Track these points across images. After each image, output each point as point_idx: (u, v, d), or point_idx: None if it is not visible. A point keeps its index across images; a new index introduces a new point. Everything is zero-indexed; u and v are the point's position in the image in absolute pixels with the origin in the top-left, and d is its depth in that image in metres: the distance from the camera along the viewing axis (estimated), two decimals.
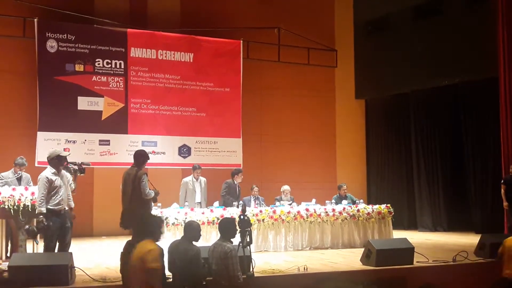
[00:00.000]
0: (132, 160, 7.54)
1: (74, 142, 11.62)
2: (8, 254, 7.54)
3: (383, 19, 14.25)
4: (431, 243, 10.59)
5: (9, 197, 7.33)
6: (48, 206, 6.65)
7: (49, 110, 11.43)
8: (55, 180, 6.75)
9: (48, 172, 6.78)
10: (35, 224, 6.89)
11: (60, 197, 6.76)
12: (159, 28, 12.66)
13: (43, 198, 6.62)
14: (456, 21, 12.33)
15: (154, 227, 5.20)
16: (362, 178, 15.03)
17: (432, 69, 12.81)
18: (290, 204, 10.07)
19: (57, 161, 6.86)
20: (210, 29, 13.09)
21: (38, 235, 6.83)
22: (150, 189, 7.29)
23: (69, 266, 6.15)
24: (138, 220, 5.71)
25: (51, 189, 6.69)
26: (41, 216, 6.61)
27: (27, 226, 6.84)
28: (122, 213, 7.25)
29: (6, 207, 7.29)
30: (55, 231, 6.69)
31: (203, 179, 10.33)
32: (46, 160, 7.01)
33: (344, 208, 10.01)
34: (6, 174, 8.32)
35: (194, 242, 5.95)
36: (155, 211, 8.64)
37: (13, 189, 7.43)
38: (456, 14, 12.42)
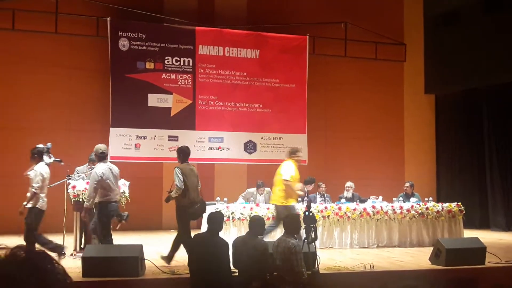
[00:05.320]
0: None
1: (144, 138, 11.95)
2: (82, 246, 7.88)
3: (455, 12, 13.75)
4: (504, 243, 10.20)
5: (83, 190, 7.66)
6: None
7: (121, 107, 11.81)
8: None
9: None
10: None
11: None
12: (226, 25, 12.81)
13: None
14: None
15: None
16: (431, 176, 14.60)
17: (506, 63, 12.25)
18: (348, 199, 10.02)
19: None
20: (276, 25, 13.09)
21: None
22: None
23: (140, 258, 6.35)
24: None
25: None
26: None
27: (123, 213, 7.27)
28: (194, 203, 7.33)
29: (81, 200, 7.62)
30: None
31: (267, 189, 10.17)
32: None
33: (412, 206, 9.80)
34: (82, 168, 8.61)
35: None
36: (221, 206, 8.79)
37: (87, 183, 7.74)
38: None
